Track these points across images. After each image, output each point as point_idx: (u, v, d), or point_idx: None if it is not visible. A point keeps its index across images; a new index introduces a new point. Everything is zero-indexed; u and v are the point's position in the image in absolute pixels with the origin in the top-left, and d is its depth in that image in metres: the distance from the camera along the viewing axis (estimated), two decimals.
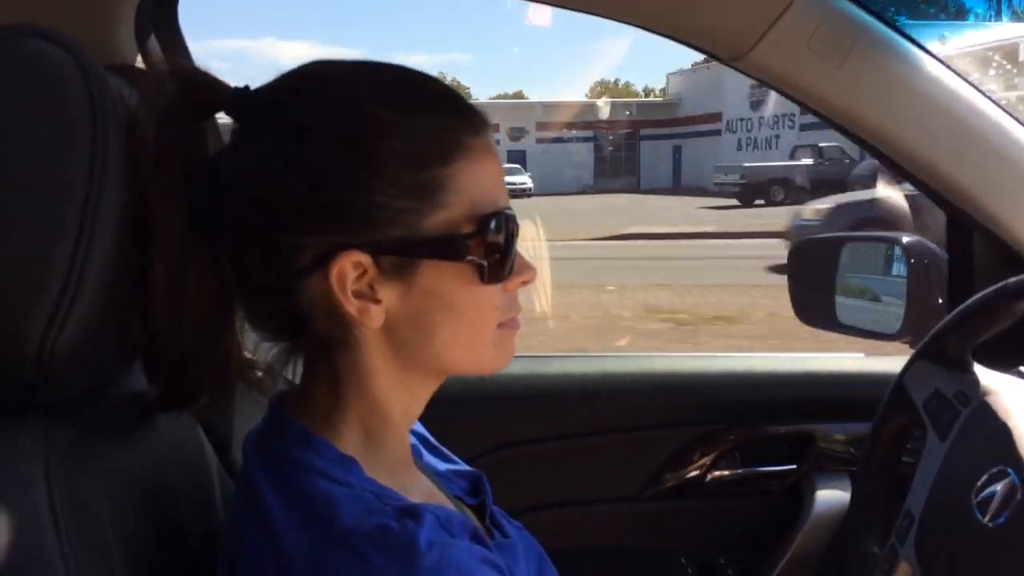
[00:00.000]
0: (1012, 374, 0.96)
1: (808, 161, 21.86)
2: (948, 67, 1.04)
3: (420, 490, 0.70)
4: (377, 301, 0.62)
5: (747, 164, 22.50)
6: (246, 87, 0.65)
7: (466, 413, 1.22)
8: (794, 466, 1.34)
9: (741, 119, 29.22)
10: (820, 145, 22.80)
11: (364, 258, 0.61)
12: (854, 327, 1.32)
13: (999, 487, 0.83)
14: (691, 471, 1.33)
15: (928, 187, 1.11)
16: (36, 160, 0.55)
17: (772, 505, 1.35)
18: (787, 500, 1.33)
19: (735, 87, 28.50)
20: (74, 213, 0.55)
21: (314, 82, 0.64)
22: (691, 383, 1.37)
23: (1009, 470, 0.82)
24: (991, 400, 0.90)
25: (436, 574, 0.56)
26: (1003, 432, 0.86)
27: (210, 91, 0.64)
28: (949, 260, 1.22)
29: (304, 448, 0.63)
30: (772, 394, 1.36)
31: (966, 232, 1.18)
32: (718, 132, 30.41)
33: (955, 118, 1.04)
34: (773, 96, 27.26)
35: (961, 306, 0.97)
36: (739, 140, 29.34)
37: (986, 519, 0.82)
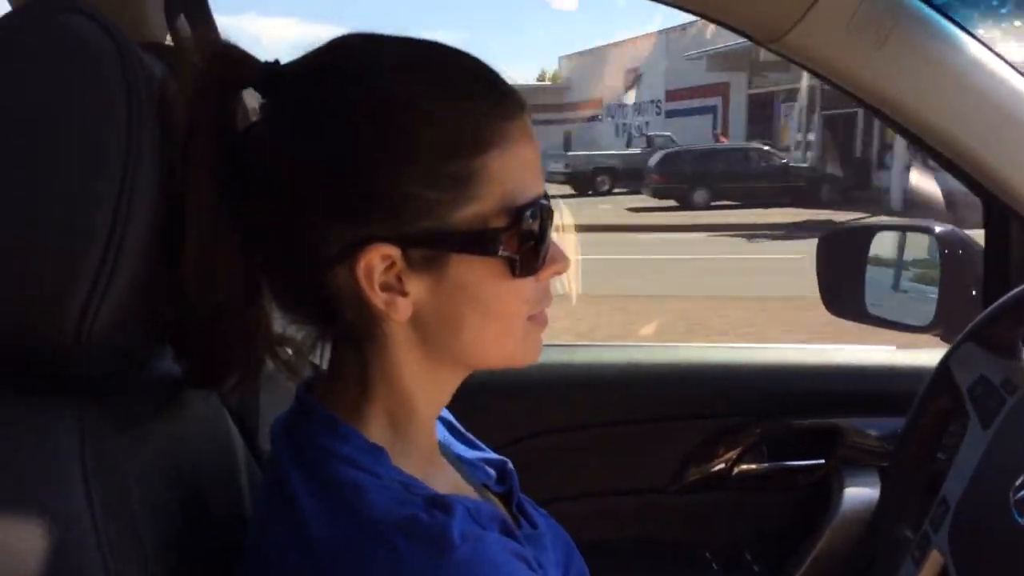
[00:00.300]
0: None
1: (637, 150, 21.67)
2: (991, 50, 1.01)
3: (446, 481, 0.69)
4: (405, 294, 0.60)
5: (571, 153, 22.24)
6: (276, 61, 0.63)
7: (491, 403, 1.21)
8: (822, 461, 1.31)
9: (619, 105, 28.66)
10: (649, 134, 22.48)
11: (393, 251, 0.59)
12: (884, 319, 1.30)
13: None
14: (717, 464, 1.31)
15: (965, 174, 1.08)
16: (72, 136, 0.55)
17: (799, 500, 1.33)
18: (814, 495, 1.31)
19: (613, 71, 28.06)
20: (111, 188, 0.54)
21: (346, 60, 0.62)
22: (718, 375, 1.35)
23: None
24: None
25: (468, 567, 0.54)
26: None
27: (239, 65, 0.62)
28: (985, 250, 1.19)
29: (331, 435, 0.62)
30: (801, 387, 1.34)
31: (1004, 222, 1.15)
32: (599, 118, 29.99)
33: (996, 103, 1.02)
34: (643, 82, 26.94)
35: (1017, 289, 0.95)
36: (616, 126, 28.82)
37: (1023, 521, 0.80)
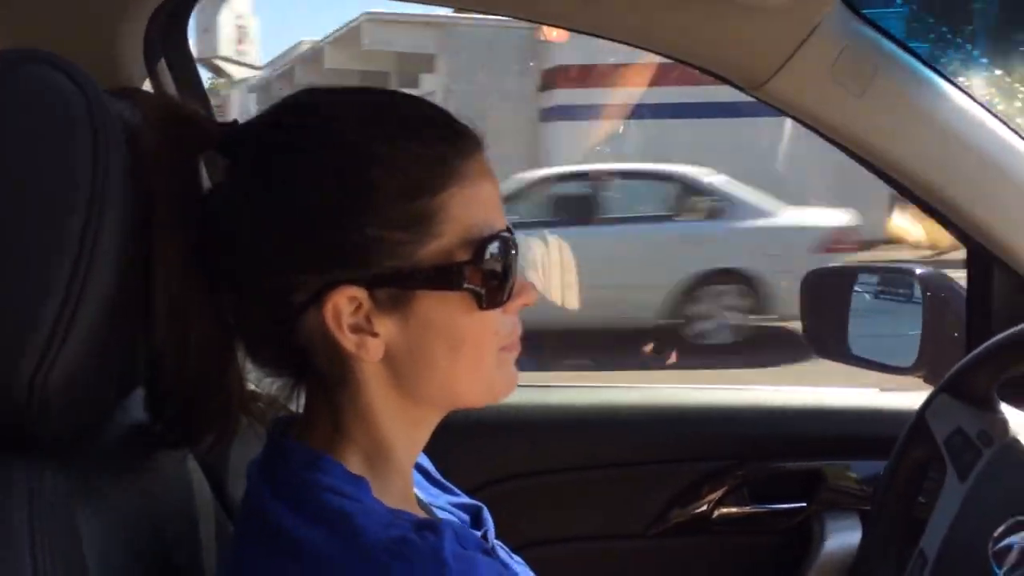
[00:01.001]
0: None
1: None
2: (971, 97, 1.02)
3: None
4: (375, 334, 0.61)
5: None
6: (234, 122, 0.64)
7: (464, 445, 1.18)
8: (804, 504, 1.30)
9: None
10: None
11: (359, 292, 0.60)
12: (868, 359, 1.30)
13: (1018, 539, 0.80)
14: (698, 507, 1.30)
15: (948, 220, 1.09)
16: (35, 189, 0.54)
17: (781, 544, 1.32)
18: (796, 539, 1.30)
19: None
20: (72, 244, 0.54)
21: (300, 117, 0.63)
22: (700, 417, 1.34)
23: None
24: (1016, 443, 0.87)
25: None
26: None
27: (197, 129, 0.64)
28: (968, 294, 1.19)
29: (312, 469, 0.62)
30: (783, 429, 1.33)
31: (985, 266, 1.15)
32: None
33: (977, 150, 1.02)
34: None
35: (990, 340, 0.94)
36: None
37: (1002, 572, 0.79)
